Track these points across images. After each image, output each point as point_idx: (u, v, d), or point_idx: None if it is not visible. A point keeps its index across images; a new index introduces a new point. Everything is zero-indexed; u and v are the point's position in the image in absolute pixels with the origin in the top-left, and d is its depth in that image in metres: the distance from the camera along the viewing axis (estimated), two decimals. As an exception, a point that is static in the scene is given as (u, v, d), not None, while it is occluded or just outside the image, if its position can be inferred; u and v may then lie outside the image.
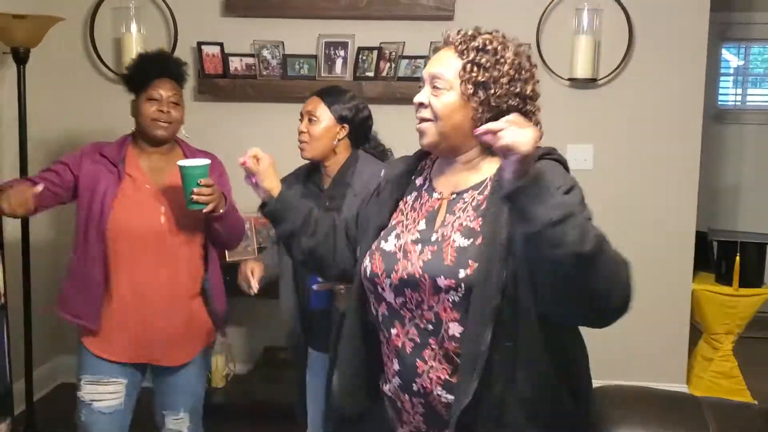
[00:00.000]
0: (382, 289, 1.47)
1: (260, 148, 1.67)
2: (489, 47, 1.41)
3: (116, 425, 2.28)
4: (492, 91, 1.40)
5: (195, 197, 2.08)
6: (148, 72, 2.27)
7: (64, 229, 3.16)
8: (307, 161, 2.33)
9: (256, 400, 3.32)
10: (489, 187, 1.43)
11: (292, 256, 1.72)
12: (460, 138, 1.44)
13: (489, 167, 1.46)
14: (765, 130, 4.99)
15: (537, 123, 1.46)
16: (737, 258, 3.46)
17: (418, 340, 1.43)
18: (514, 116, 1.26)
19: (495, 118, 1.30)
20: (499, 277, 1.32)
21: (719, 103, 5.07)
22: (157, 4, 3.54)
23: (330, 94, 2.28)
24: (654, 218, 3.48)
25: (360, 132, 2.31)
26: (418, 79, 3.30)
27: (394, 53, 3.37)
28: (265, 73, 3.46)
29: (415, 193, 1.54)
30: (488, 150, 1.40)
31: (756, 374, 3.59)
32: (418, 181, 1.57)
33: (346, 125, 2.26)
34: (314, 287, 2.13)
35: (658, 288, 3.52)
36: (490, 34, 1.45)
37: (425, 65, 1.55)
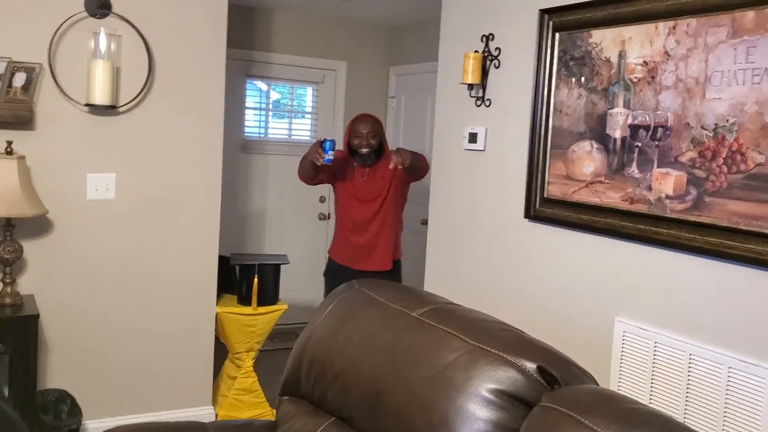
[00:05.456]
0: None
1: None
2: None
3: None
4: None
5: None
6: None
7: None
8: None
9: None
10: None
11: None
12: None
13: None
14: (283, 159, 5.55)
15: None
16: (255, 279, 3.73)
17: None
18: None
19: None
20: None
21: (245, 134, 5.45)
22: None
23: None
24: (178, 246, 3.55)
25: None
26: None
27: None
28: None
29: None
30: None
31: (273, 384, 3.91)
32: None
33: None
34: None
35: (185, 314, 3.60)
36: None
37: None
